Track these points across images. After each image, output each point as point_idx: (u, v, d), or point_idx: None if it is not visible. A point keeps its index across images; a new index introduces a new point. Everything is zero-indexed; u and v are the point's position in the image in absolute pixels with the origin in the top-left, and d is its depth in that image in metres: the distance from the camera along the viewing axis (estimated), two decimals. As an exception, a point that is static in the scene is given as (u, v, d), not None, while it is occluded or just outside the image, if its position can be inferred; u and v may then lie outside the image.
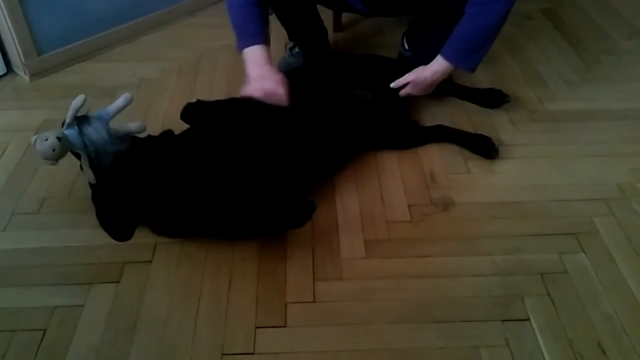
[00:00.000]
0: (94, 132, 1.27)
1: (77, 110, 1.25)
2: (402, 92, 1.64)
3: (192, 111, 1.51)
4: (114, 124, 1.33)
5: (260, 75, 1.53)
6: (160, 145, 1.40)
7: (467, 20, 1.51)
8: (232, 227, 1.34)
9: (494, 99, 1.79)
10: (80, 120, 1.28)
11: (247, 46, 1.56)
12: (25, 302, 1.25)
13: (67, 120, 1.26)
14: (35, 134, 1.26)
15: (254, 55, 1.55)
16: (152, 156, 1.35)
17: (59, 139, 1.23)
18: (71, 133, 1.26)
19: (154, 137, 1.44)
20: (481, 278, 1.30)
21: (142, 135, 1.39)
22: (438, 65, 1.58)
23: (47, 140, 1.22)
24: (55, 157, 1.24)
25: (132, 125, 1.34)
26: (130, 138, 1.34)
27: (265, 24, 1.58)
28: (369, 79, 1.65)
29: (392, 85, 1.63)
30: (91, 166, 1.29)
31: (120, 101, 1.33)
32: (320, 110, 1.53)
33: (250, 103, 1.50)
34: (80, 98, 1.26)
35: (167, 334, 1.18)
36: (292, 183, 1.41)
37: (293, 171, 1.41)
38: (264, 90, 1.49)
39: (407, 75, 1.63)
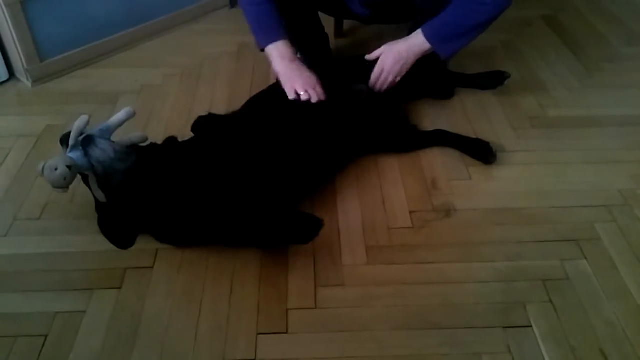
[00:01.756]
0: (100, 152, 1.24)
1: (81, 131, 1.24)
2: (376, 68, 1.61)
3: (203, 124, 1.51)
4: (115, 137, 1.33)
5: (290, 71, 1.55)
6: (166, 156, 1.38)
7: (456, 8, 1.51)
8: (238, 238, 1.34)
9: (494, 79, 1.78)
10: (85, 141, 1.25)
11: (270, 43, 1.56)
12: (26, 307, 1.25)
13: (71, 142, 1.24)
14: (43, 163, 1.24)
15: (279, 50, 1.56)
16: (160, 168, 1.33)
17: (69, 167, 1.21)
18: (77, 155, 1.24)
19: (158, 146, 1.42)
20: (483, 284, 1.30)
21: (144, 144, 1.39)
22: (414, 39, 1.57)
23: (56, 169, 1.21)
24: (66, 185, 1.24)
25: (134, 137, 1.33)
26: (135, 152, 1.31)
27: (279, 20, 1.59)
28: (364, 74, 1.65)
29: (367, 57, 1.62)
30: (100, 185, 1.27)
31: (121, 115, 1.32)
32: (320, 109, 1.53)
33: (256, 113, 1.52)
34: (83, 119, 1.24)
35: (168, 340, 1.18)
36: (295, 186, 1.42)
37: (296, 174, 1.42)
38: (301, 91, 1.52)
39: (382, 47, 1.61)
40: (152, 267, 1.33)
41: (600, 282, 1.30)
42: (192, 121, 1.52)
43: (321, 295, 1.27)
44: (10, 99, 1.90)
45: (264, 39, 1.58)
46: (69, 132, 1.30)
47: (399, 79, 1.62)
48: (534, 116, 1.82)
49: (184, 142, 1.46)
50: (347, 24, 2.22)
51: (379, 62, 1.61)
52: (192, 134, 1.50)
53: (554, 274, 1.32)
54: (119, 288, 1.28)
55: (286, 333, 1.19)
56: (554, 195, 1.53)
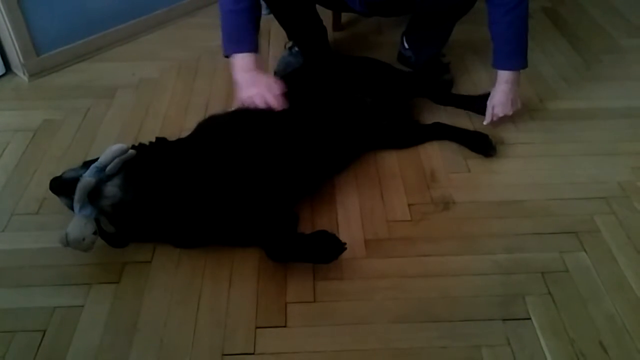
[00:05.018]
0: (110, 199, 1.26)
1: (87, 192, 1.23)
2: (495, 117, 1.63)
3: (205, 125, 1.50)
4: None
5: (249, 81, 1.51)
6: (165, 165, 1.35)
7: (500, 24, 1.53)
8: (248, 242, 1.34)
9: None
10: (92, 196, 1.24)
11: (236, 52, 1.53)
12: (24, 302, 1.24)
13: (80, 204, 1.23)
14: (64, 235, 1.22)
15: (242, 61, 1.53)
16: (162, 180, 1.32)
17: (95, 233, 1.24)
18: (89, 212, 1.24)
19: (151, 153, 1.38)
20: (482, 277, 1.29)
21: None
22: (503, 77, 1.59)
23: (84, 240, 1.22)
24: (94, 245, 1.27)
25: (125, 157, 1.31)
26: (134, 178, 1.29)
27: (256, 31, 1.56)
28: (368, 83, 1.64)
29: (485, 123, 1.65)
30: (111, 221, 1.28)
31: (115, 150, 1.29)
32: (321, 113, 1.52)
33: (251, 110, 1.49)
34: (90, 182, 1.23)
35: (167, 335, 1.18)
36: (295, 188, 1.41)
37: (295, 175, 1.41)
38: (258, 98, 1.47)
39: (488, 105, 1.63)
40: (150, 262, 1.33)
41: (599, 274, 1.30)
42: (190, 115, 1.50)
43: (320, 288, 1.27)
44: (7, 94, 1.89)
45: (233, 47, 1.54)
46: (60, 179, 1.31)
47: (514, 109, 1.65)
48: (533, 108, 1.81)
49: (177, 141, 1.44)
50: (345, 16, 2.20)
51: (495, 112, 1.63)
52: (187, 131, 1.48)
53: (553, 266, 1.32)
54: (117, 282, 1.28)
55: (285, 327, 1.19)
56: (553, 187, 1.53)
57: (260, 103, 1.47)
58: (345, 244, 1.24)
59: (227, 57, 1.57)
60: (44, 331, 1.18)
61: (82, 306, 1.23)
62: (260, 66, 1.56)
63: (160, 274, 1.30)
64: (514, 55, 1.58)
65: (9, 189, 1.52)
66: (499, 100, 1.61)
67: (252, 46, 1.54)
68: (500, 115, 1.63)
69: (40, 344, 1.16)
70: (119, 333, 1.18)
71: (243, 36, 1.54)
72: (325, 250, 1.24)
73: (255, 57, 1.54)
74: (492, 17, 1.54)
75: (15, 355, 1.14)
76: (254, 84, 1.50)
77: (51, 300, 1.24)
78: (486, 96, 1.72)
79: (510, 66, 1.59)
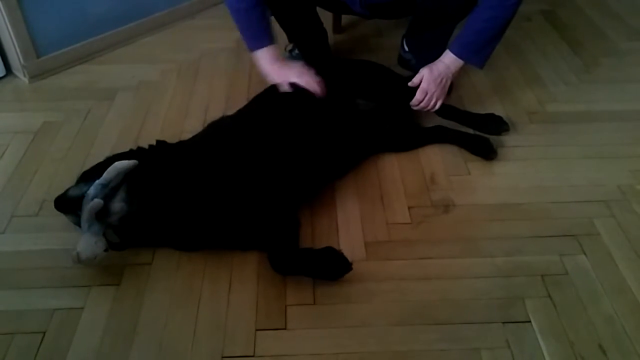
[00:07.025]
0: (117, 215, 1.26)
1: (94, 214, 1.23)
2: (418, 93, 1.59)
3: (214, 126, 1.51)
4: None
5: (280, 69, 1.58)
6: (167, 171, 1.35)
7: (480, 13, 1.50)
8: (250, 245, 1.35)
9: (493, 125, 1.71)
10: (100, 215, 1.24)
11: (257, 48, 1.59)
12: (24, 304, 1.24)
13: (88, 224, 1.23)
14: (75, 254, 1.21)
15: (266, 54, 1.58)
16: (164, 187, 1.32)
17: (105, 250, 1.25)
18: (96, 229, 1.24)
19: (152, 158, 1.37)
20: (482, 280, 1.29)
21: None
22: (447, 59, 1.57)
23: (95, 257, 1.23)
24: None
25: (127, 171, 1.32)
26: (135, 190, 1.29)
27: (268, 24, 1.59)
28: (369, 87, 1.64)
29: (410, 84, 1.61)
30: (116, 232, 1.28)
31: (120, 167, 1.28)
32: (322, 117, 1.52)
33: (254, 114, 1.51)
34: (97, 203, 1.22)
35: (166, 337, 1.18)
36: (297, 192, 1.41)
37: (298, 180, 1.41)
38: (298, 79, 1.55)
39: (420, 70, 1.60)
40: (150, 264, 1.33)
41: (599, 277, 1.30)
42: (190, 117, 1.50)
43: (320, 291, 1.27)
44: (7, 96, 1.89)
45: (253, 44, 1.60)
46: (65, 197, 1.30)
47: (441, 101, 1.61)
48: (532, 111, 1.81)
49: (177, 144, 1.44)
50: (345, 19, 2.21)
51: (421, 86, 1.59)
52: (187, 133, 1.48)
53: (552, 269, 1.32)
54: (118, 285, 1.28)
55: (285, 329, 1.19)
56: (553, 190, 1.53)
57: (302, 83, 1.55)
58: (351, 263, 1.25)
59: (251, 50, 1.62)
60: (44, 333, 1.18)
61: (82, 308, 1.23)
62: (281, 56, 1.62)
63: (160, 276, 1.30)
64: (474, 48, 1.55)
65: (9, 190, 1.52)
66: (429, 74, 1.57)
67: (270, 40, 1.59)
68: (424, 89, 1.58)
69: (39, 346, 1.16)
70: (119, 335, 1.18)
71: (259, 32, 1.59)
72: (332, 268, 1.25)
73: (275, 48, 1.60)
74: (474, 10, 1.51)
75: (15, 357, 1.14)
76: (286, 71, 1.57)
77: (51, 302, 1.24)
78: (489, 116, 1.72)
79: (466, 56, 1.56)
